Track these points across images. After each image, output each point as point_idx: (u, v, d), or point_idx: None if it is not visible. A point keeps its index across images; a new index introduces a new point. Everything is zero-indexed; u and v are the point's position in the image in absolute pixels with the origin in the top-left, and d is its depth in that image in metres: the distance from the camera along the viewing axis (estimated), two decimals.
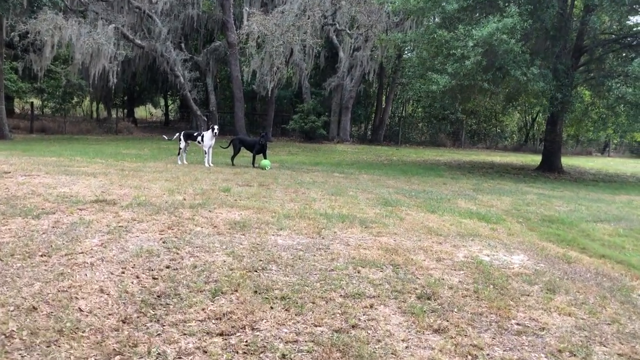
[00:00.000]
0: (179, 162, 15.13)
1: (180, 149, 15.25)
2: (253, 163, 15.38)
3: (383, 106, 35.41)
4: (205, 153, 14.96)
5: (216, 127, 14.99)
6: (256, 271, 4.83)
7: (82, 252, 5.08)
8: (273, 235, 6.12)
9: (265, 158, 15.38)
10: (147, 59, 29.77)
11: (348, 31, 25.12)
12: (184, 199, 8.07)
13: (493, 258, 5.79)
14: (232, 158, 15.49)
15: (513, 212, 9.49)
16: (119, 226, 6.10)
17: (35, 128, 31.78)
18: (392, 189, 11.68)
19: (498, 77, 15.65)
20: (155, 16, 28.01)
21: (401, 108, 39.79)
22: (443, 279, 4.92)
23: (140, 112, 54.85)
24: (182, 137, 15.25)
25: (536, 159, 26.05)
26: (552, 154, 19.28)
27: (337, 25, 25.44)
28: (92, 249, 5.20)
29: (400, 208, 8.71)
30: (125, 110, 49.47)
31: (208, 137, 14.91)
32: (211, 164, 15.01)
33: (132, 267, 4.76)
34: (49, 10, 20.82)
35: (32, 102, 33.04)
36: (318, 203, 8.55)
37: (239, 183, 10.67)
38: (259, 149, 15.28)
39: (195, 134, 15.30)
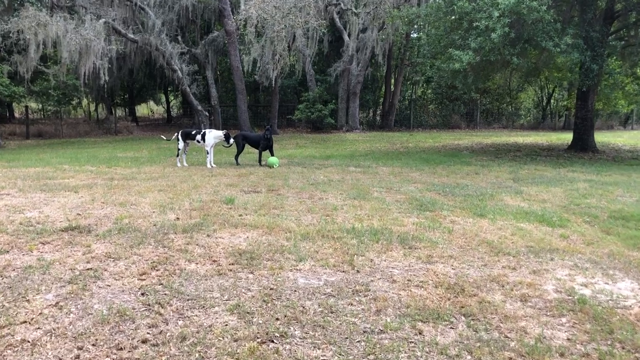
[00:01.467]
0: (178, 165, 13.65)
1: (179, 149, 13.76)
2: (259, 161, 13.86)
3: (392, 90, 33.72)
4: (207, 153, 13.46)
5: (229, 134, 13.53)
6: (272, 341, 3.32)
7: (25, 322, 3.59)
8: (291, 270, 4.60)
9: (272, 154, 13.86)
10: (143, 54, 28.22)
11: (354, 10, 23.33)
12: (177, 218, 6.56)
13: (594, 290, 4.25)
14: (237, 157, 13.98)
15: (572, 208, 7.92)
16: (87, 269, 4.60)
17: (32, 133, 30.43)
18: (420, 184, 10.13)
19: (527, 50, 13.98)
20: (148, 8, 26.43)
21: (410, 91, 38.04)
22: (544, 337, 3.38)
23: (143, 109, 53.49)
24: (179, 136, 13.75)
25: (562, 137, 24.42)
26: (584, 132, 17.60)
27: (342, 4, 23.70)
28: (41, 314, 3.70)
29: (441, 213, 7.16)
30: (127, 109, 48.17)
31: (211, 136, 13.41)
32: (213, 165, 13.51)
33: (92, 346, 3.27)
34: (31, 7, 19.29)
35: (26, 107, 31.64)
36: (340, 213, 7.02)
37: (244, 189, 9.16)
38: (265, 145, 13.76)
39: (193, 132, 13.78)
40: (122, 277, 4.40)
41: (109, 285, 4.22)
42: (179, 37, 29.35)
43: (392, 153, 17.85)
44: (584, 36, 14.65)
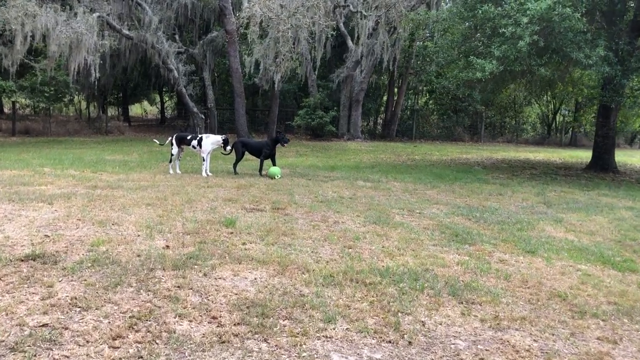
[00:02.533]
0: (171, 172, 12.43)
1: (172, 155, 12.53)
2: (260, 170, 12.67)
3: (395, 98, 32.63)
4: (204, 160, 12.25)
5: (228, 139, 12.34)
6: None
7: None
8: (319, 338, 3.40)
9: (274, 164, 12.68)
10: (138, 51, 26.99)
11: (364, 12, 22.13)
12: (167, 246, 5.35)
13: None
14: (235, 165, 12.78)
15: (630, 243, 6.77)
16: (42, 326, 3.39)
17: (19, 129, 29.04)
18: (442, 206, 8.97)
19: (555, 60, 12.89)
20: (145, 4, 25.23)
21: (412, 100, 36.91)
22: None
23: (136, 109, 52.14)
24: (173, 141, 12.52)
25: (575, 155, 23.39)
26: (605, 151, 16.52)
27: (351, 6, 22.51)
28: None
29: (483, 247, 6.00)
30: (120, 108, 46.77)
31: (208, 142, 12.20)
32: (209, 173, 12.30)
33: None
34: None
35: (13, 102, 30.28)
36: (364, 244, 5.83)
37: (245, 205, 7.96)
38: (267, 154, 12.58)
39: (189, 137, 12.56)
40: (87, 343, 3.19)
41: (67, 358, 3.01)
42: (177, 36, 28.16)
43: (399, 166, 16.71)
44: (614, 49, 13.59)
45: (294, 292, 4.16)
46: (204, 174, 12.18)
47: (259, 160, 12.71)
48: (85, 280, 4.26)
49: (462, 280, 4.67)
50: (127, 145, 22.37)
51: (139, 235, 5.74)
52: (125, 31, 23.67)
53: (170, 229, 6.09)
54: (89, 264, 4.66)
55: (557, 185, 13.14)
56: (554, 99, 33.73)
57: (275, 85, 21.52)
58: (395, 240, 6.04)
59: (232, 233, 6.03)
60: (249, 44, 21.65)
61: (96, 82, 21.39)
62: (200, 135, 12.48)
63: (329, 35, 21.24)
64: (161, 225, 6.22)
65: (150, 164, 14.34)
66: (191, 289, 4.16)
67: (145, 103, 50.53)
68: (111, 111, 49.52)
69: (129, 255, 4.98)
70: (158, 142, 13.70)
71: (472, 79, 12.83)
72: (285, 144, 12.81)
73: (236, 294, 4.07)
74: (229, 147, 12.25)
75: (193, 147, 12.42)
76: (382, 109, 36.71)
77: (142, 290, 4.07)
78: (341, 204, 8.50)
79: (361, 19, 22.38)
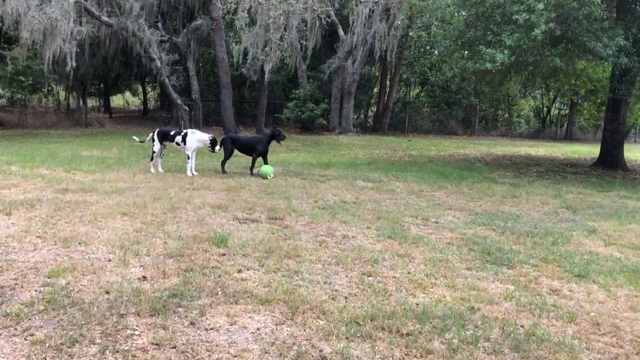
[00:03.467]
0: (152, 171, 11.31)
1: (153, 152, 11.41)
2: (251, 169, 11.60)
3: (387, 90, 31.61)
4: (189, 158, 11.15)
5: (216, 139, 11.23)
6: None
7: None
8: None
9: (265, 162, 11.62)
10: (119, 40, 25.62)
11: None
12: (144, 277, 4.28)
13: None
14: (223, 163, 11.69)
15: None
16: None
17: None
18: (457, 212, 8.00)
19: (571, 51, 11.92)
20: None
21: (403, 92, 35.79)
22: None
23: (118, 100, 50.55)
24: (155, 137, 11.39)
25: (576, 150, 22.56)
26: (613, 148, 15.64)
27: None
28: None
29: (524, 270, 5.02)
30: (101, 100, 45.16)
31: (194, 139, 11.10)
32: (194, 172, 11.21)
33: None
34: None
35: None
36: (386, 270, 4.81)
37: (237, 214, 6.90)
38: (260, 151, 11.50)
39: (172, 133, 11.44)
40: None
41: None
42: (159, 24, 26.83)
43: (398, 163, 15.71)
44: (630, 39, 12.67)
45: (312, 351, 3.13)
46: (188, 173, 11.09)
47: (251, 158, 11.64)
48: (33, 335, 3.19)
49: (521, 326, 3.67)
50: (107, 138, 21.12)
51: (109, 260, 4.67)
52: (105, 18, 22.32)
53: (148, 249, 5.02)
54: (42, 307, 3.59)
55: (570, 185, 12.23)
56: (548, 91, 32.91)
57: (265, 76, 20.33)
58: (421, 263, 5.03)
59: (224, 255, 4.97)
60: (236, 32, 20.45)
61: (72, 72, 20.02)
62: (185, 131, 11.36)
63: (324, 22, 20.03)
64: (138, 244, 5.14)
65: (130, 161, 13.20)
66: (174, 347, 3.12)
67: (128, 94, 48.98)
68: (92, 102, 48.00)
69: (95, 291, 3.91)
70: (138, 140, 12.57)
71: (481, 69, 11.82)
72: (281, 141, 11.75)
73: (235, 357, 3.03)
74: (217, 148, 11.15)
75: (177, 143, 11.31)
76: (372, 101, 35.68)
77: (107, 352, 3.02)
78: (346, 211, 7.47)
79: (356, 5, 21.22)
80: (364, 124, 32.47)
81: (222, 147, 11.74)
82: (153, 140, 11.40)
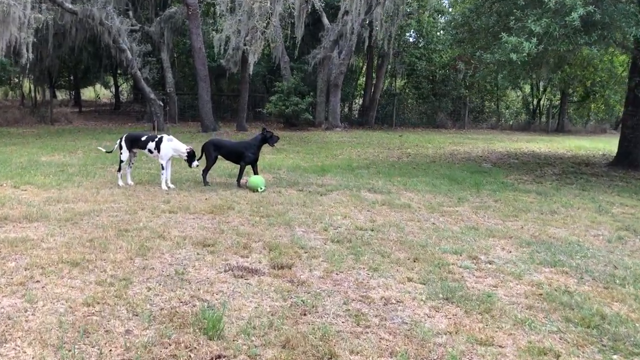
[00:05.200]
0: (120, 183, 9.51)
1: (121, 162, 9.58)
2: (239, 180, 9.86)
3: (373, 82, 29.95)
4: (163, 169, 9.36)
5: (194, 152, 9.38)
6: None
7: None
8: None
9: (255, 171, 9.89)
10: (86, 29, 23.50)
11: None
12: None
13: None
14: (205, 173, 9.92)
15: None
16: None
17: None
18: (502, 240, 6.43)
19: (605, 38, 10.36)
20: None
21: (388, 83, 34.01)
22: None
23: (90, 93, 48.01)
24: (123, 143, 9.56)
25: (579, 145, 21.22)
26: (634, 146, 14.23)
27: None
28: None
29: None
30: (71, 93, 42.63)
31: (169, 147, 9.30)
32: (170, 185, 9.44)
33: None
34: None
35: None
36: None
37: (229, 258, 5.19)
38: (250, 158, 9.76)
39: (144, 138, 9.62)
40: None
41: None
42: (130, 12, 24.74)
43: (398, 165, 14.10)
44: None
45: None
46: (163, 186, 9.31)
47: (239, 166, 9.89)
48: None
49: None
50: (73, 138, 19.10)
51: None
52: (68, 4, 20.19)
53: (101, 349, 3.27)
54: None
55: (601, 191, 10.74)
56: (537, 82, 31.55)
57: (250, 67, 18.44)
58: (515, 356, 3.39)
59: (217, 340, 3.27)
60: (216, 20, 18.56)
61: (28, 64, 17.89)
62: (159, 136, 9.55)
63: (320, 4, 18.14)
64: (86, 341, 3.38)
65: (96, 170, 11.35)
66: None
67: (100, 87, 46.42)
68: (62, 95, 45.41)
69: None
70: (104, 150, 10.69)
71: (504, 60, 10.21)
72: (274, 144, 10.03)
73: None
74: (195, 163, 9.34)
75: (149, 151, 9.50)
76: (357, 93, 34.00)
77: None
78: (368, 246, 5.81)
79: None
80: (349, 117, 30.75)
81: (203, 154, 9.99)
82: (120, 148, 9.58)
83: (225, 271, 4.75)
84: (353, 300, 4.15)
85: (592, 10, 9.27)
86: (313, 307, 3.96)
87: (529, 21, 10.02)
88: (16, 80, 34.62)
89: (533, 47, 9.75)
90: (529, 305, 4.23)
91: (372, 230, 6.67)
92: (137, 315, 3.69)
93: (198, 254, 5.30)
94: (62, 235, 5.82)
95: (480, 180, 11.54)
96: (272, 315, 3.78)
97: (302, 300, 4.06)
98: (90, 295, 4.00)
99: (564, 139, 25.71)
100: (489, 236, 6.63)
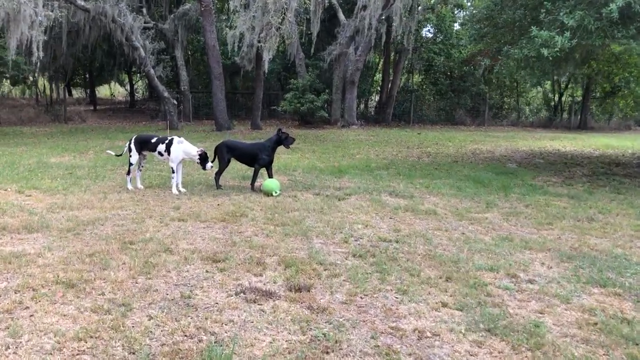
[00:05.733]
0: (129, 187, 9.09)
1: (130, 164, 9.15)
2: (252, 184, 9.38)
3: (391, 78, 29.32)
4: (173, 172, 8.89)
5: (206, 154, 8.87)
6: None
7: None
8: None
9: (270, 175, 9.41)
10: (99, 27, 23.18)
11: None
12: None
13: None
14: (217, 176, 9.46)
15: None
16: None
17: None
18: (539, 253, 5.86)
19: None
20: None
21: (405, 80, 33.30)
22: None
23: (105, 91, 47.92)
24: (132, 145, 9.13)
25: (606, 144, 20.37)
26: None
27: None
28: None
29: None
30: (87, 91, 42.51)
31: (179, 150, 8.84)
32: (181, 189, 8.98)
33: None
34: None
35: None
36: None
37: (241, 277, 4.70)
38: (265, 161, 9.28)
39: (154, 140, 9.17)
40: None
41: None
42: (144, 10, 24.41)
43: (418, 165, 13.52)
44: None
45: None
46: (174, 190, 8.86)
47: (253, 169, 9.40)
48: None
49: None
50: (85, 137, 18.78)
51: None
52: (81, 2, 19.86)
53: None
54: None
55: (638, 195, 10.08)
56: (559, 78, 30.63)
57: (265, 65, 17.90)
58: None
59: None
60: (229, 16, 18.08)
61: (39, 62, 17.57)
62: (169, 138, 9.08)
63: (332, 3, 17.56)
64: None
65: (105, 172, 10.95)
66: None
67: (115, 84, 46.28)
68: (78, 93, 45.31)
69: None
70: (114, 154, 10.25)
71: (534, 55, 9.58)
72: (289, 146, 9.52)
73: None
74: (209, 165, 8.84)
75: (159, 153, 9.05)
76: (373, 89, 33.37)
77: None
78: (394, 262, 5.28)
79: None
80: (365, 114, 30.17)
81: (216, 157, 9.52)
82: (130, 150, 9.14)
83: (236, 294, 4.25)
84: (382, 333, 3.63)
85: (632, 1, 8.61)
86: (336, 342, 3.44)
87: (561, 14, 9.38)
88: (31, 78, 34.49)
89: (566, 41, 9.12)
90: (584, 338, 3.68)
91: (397, 242, 6.14)
92: (134, 354, 3.20)
93: (207, 271, 4.81)
94: (61, 249, 5.37)
95: (508, 183, 10.93)
96: (289, 353, 3.27)
97: (323, 334, 3.54)
98: (83, 327, 3.53)
99: (589, 136, 24.89)
100: (525, 248, 6.06)
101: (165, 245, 5.60)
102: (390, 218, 7.49)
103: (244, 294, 4.23)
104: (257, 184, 9.38)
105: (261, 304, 4.06)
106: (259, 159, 9.25)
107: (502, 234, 6.74)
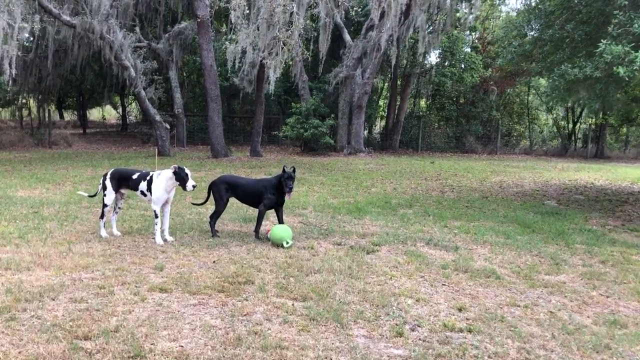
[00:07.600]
0: (103, 234, 7.21)
1: (105, 206, 7.27)
2: (257, 231, 7.49)
3: (398, 103, 27.72)
4: (157, 216, 7.01)
5: (180, 169, 6.95)
6: None
7: None
8: None
9: (280, 219, 7.54)
10: (88, 46, 21.52)
11: None
12: None
13: None
14: (213, 220, 7.58)
15: None
16: None
17: None
18: None
19: None
20: None
21: (412, 105, 31.72)
22: None
23: (98, 114, 46.24)
24: (107, 182, 7.26)
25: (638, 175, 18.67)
26: None
27: None
28: None
29: None
30: (78, 113, 40.77)
31: (161, 184, 6.98)
32: (168, 238, 7.11)
33: None
34: None
35: None
36: None
37: None
38: (272, 202, 7.41)
39: (135, 176, 7.30)
40: None
41: None
42: (137, 28, 22.77)
43: (446, 202, 11.70)
44: None
45: None
46: (158, 239, 6.98)
47: (258, 211, 7.53)
48: None
49: None
50: (66, 165, 16.91)
51: None
52: (66, 17, 18.16)
53: None
54: None
55: None
56: (575, 103, 29.12)
57: (271, 85, 16.08)
58: None
59: None
60: (228, 32, 16.39)
61: (10, 81, 15.76)
62: (151, 173, 7.22)
63: (336, 23, 15.96)
64: None
65: (78, 211, 9.08)
66: None
67: (109, 107, 44.58)
68: (69, 116, 43.55)
69: None
70: (86, 194, 8.37)
71: (600, 76, 7.84)
72: (290, 191, 7.44)
73: None
74: (191, 183, 6.93)
75: (142, 193, 7.19)
76: (377, 115, 31.77)
77: None
78: None
79: None
80: (371, 141, 28.47)
81: (210, 195, 7.68)
82: (105, 188, 7.27)
83: None
84: None
85: None
86: None
87: (635, 25, 7.67)
88: (23, 101, 32.82)
89: None
90: None
91: (471, 332, 4.29)
92: None
93: None
94: None
95: (559, 227, 9.12)
96: None
97: None
98: None
99: (612, 166, 23.22)
100: (635, 342, 4.22)
101: (136, 346, 3.71)
102: (443, 285, 5.63)
103: None
104: (263, 230, 7.53)
105: None
106: (264, 198, 7.40)
107: (604, 314, 4.91)
